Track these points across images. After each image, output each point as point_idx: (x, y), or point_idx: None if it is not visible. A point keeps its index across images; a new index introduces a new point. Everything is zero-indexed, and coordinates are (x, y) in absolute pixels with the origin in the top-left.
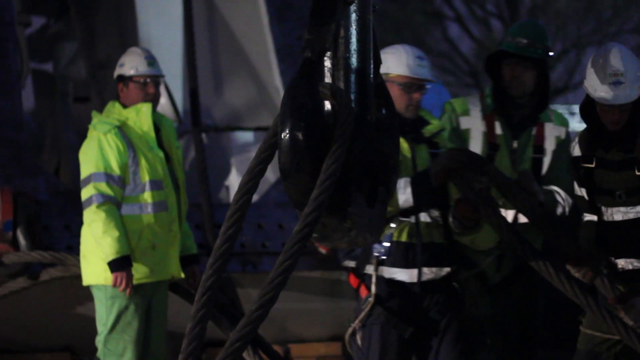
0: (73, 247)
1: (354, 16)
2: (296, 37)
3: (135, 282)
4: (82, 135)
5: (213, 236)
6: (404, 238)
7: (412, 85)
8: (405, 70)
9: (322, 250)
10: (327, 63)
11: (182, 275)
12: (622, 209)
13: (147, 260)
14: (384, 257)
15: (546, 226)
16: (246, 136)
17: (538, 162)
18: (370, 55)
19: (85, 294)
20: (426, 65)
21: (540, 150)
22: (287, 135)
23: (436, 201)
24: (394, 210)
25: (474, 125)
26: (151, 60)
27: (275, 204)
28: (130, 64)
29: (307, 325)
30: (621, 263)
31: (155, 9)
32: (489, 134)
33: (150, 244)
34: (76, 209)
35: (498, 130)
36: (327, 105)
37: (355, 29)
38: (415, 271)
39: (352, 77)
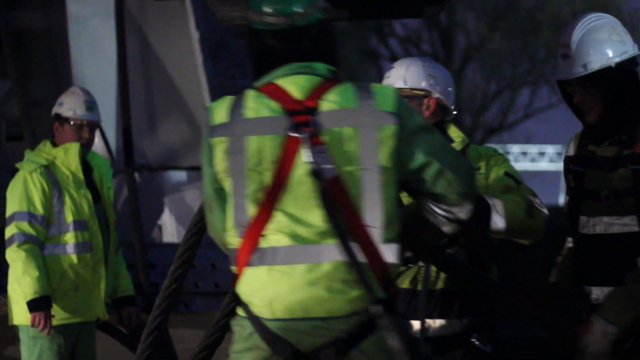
0: (3, 287)
1: None
2: (230, 76)
3: (57, 322)
4: (15, 175)
5: (145, 276)
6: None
7: None
8: None
9: None
10: None
11: (107, 316)
12: (605, 218)
13: (69, 301)
14: None
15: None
16: (179, 175)
17: None
18: None
19: (15, 334)
20: None
21: None
22: None
23: None
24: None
25: None
26: (90, 105)
27: (207, 243)
28: (69, 105)
29: None
30: (596, 292)
31: (89, 48)
32: None
33: (73, 285)
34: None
35: None
36: None
37: None
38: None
39: None
